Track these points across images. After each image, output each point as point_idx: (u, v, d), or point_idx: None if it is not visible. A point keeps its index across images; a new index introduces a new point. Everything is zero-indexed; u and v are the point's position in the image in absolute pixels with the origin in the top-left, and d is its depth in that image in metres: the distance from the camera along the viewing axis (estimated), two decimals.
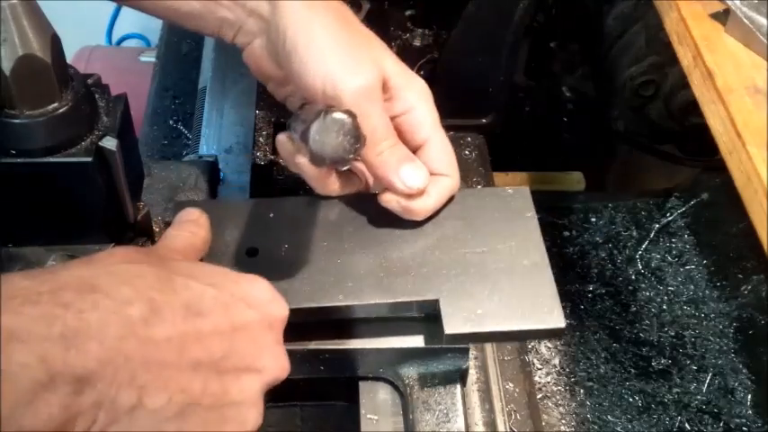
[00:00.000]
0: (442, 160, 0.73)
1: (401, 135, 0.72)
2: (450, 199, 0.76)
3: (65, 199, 0.64)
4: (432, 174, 0.73)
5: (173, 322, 0.50)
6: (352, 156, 0.64)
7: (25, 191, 0.63)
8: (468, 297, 0.69)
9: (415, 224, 0.74)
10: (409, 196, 0.72)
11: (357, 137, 0.63)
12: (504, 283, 0.69)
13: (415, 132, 0.73)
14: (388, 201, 0.72)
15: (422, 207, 0.73)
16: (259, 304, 0.57)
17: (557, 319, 0.67)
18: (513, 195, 0.77)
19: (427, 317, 0.71)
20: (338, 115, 0.62)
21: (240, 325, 0.54)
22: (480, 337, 0.70)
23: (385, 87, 0.71)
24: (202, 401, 0.51)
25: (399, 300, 0.69)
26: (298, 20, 0.70)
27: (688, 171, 1.27)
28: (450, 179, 0.74)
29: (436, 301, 0.69)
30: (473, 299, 0.68)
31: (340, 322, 0.72)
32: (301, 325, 0.68)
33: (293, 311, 0.67)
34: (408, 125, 0.72)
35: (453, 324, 0.67)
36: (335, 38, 0.70)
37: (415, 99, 0.73)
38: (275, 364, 0.56)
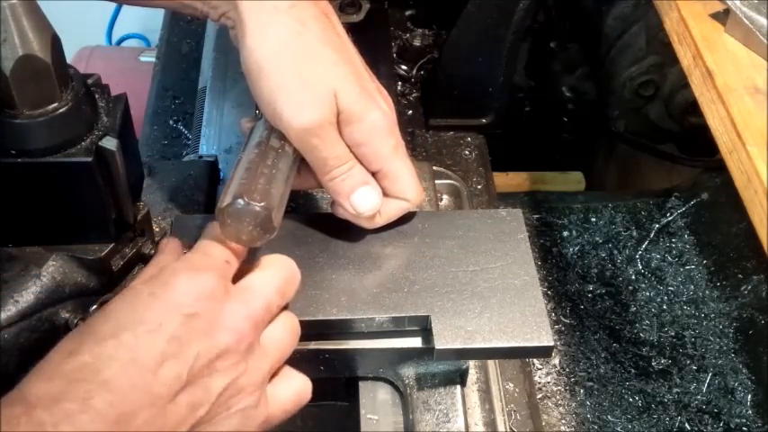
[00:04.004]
0: (397, 187, 0.73)
1: (358, 160, 0.71)
2: (446, 220, 0.78)
3: (65, 199, 0.64)
4: (386, 196, 0.73)
5: (131, 384, 0.53)
6: (259, 242, 0.63)
7: (25, 191, 0.63)
8: (459, 314, 0.70)
9: (409, 243, 0.75)
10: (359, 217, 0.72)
11: (269, 229, 0.62)
12: (494, 302, 0.70)
13: (368, 164, 0.71)
14: (338, 212, 0.73)
15: (370, 225, 0.74)
16: (187, 301, 0.57)
17: (546, 338, 0.68)
18: (506, 218, 0.78)
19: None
20: (252, 207, 0.61)
21: (183, 334, 0.55)
22: (470, 353, 0.71)
23: (338, 119, 0.69)
24: (198, 414, 0.55)
25: (392, 315, 0.70)
26: (252, 35, 0.68)
27: (688, 171, 1.27)
28: (403, 203, 0.74)
29: (427, 317, 0.69)
30: (464, 316, 0.69)
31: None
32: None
33: None
34: (361, 157, 0.71)
35: (444, 340, 0.68)
36: (286, 66, 0.67)
37: (367, 135, 0.69)
38: (229, 335, 0.58)
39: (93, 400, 0.50)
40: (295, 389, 0.64)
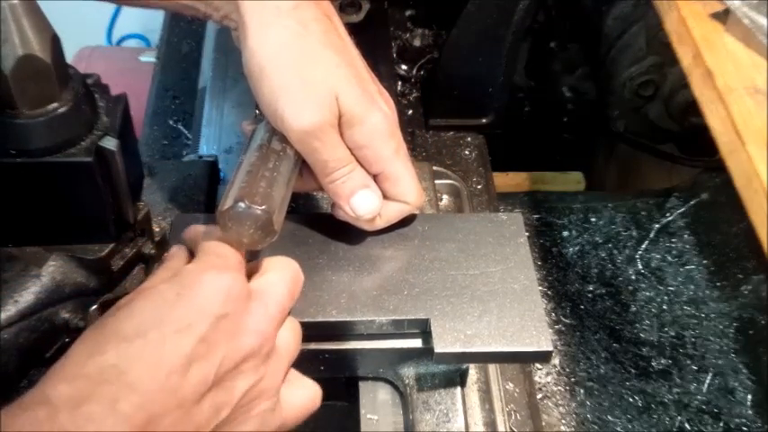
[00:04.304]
0: (398, 189, 0.73)
1: (359, 162, 0.71)
2: (446, 223, 0.78)
3: (65, 199, 0.64)
4: (387, 199, 0.73)
5: (158, 386, 0.52)
6: (260, 246, 0.63)
7: (25, 191, 0.63)
8: (459, 318, 0.70)
9: (409, 245, 0.75)
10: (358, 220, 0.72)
11: (270, 232, 0.62)
12: (494, 306, 0.71)
13: (369, 166, 0.71)
14: (339, 215, 0.73)
15: (370, 227, 0.74)
16: (216, 303, 0.56)
17: (545, 343, 0.69)
18: (507, 221, 0.78)
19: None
20: (253, 210, 0.61)
21: (212, 335, 0.55)
22: (469, 357, 0.71)
23: (339, 121, 0.69)
24: (221, 416, 0.55)
25: (391, 317, 0.70)
26: (254, 36, 0.68)
27: (688, 171, 1.27)
28: (403, 205, 0.74)
29: (427, 320, 0.69)
30: (463, 320, 0.69)
31: None
32: None
33: None
34: (362, 160, 0.71)
35: (443, 343, 0.68)
36: (288, 67, 0.67)
37: (368, 138, 0.69)
38: (255, 338, 0.57)
39: (119, 404, 0.49)
40: (308, 395, 0.64)
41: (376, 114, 0.69)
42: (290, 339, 0.62)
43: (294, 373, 0.64)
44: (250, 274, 0.63)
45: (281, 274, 0.63)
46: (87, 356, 0.52)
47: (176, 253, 0.65)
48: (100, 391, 0.50)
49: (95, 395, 0.49)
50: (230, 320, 0.56)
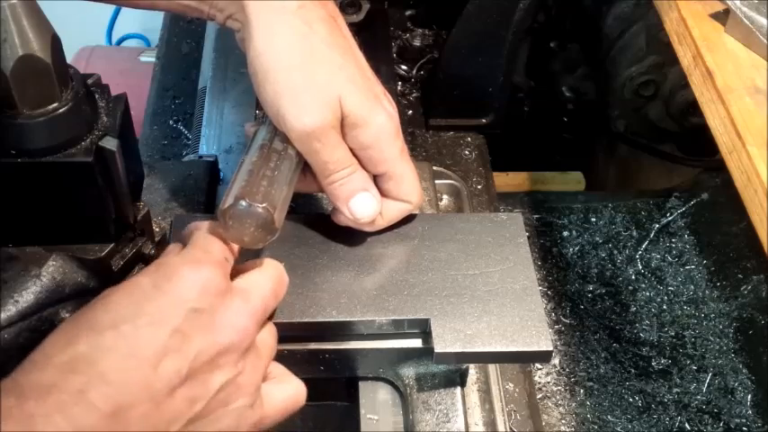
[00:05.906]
0: (401, 189, 0.73)
1: (361, 164, 0.71)
2: (446, 223, 0.78)
3: (65, 199, 0.64)
4: (389, 198, 0.73)
5: (129, 377, 0.52)
6: (261, 244, 0.63)
7: (25, 191, 0.63)
8: (459, 318, 0.70)
9: (409, 245, 0.75)
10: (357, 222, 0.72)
11: (271, 230, 0.62)
12: (494, 306, 0.71)
13: (374, 166, 0.71)
14: (339, 219, 0.73)
15: (371, 228, 0.74)
16: (192, 296, 0.56)
17: (544, 343, 0.68)
18: (506, 221, 0.78)
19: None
20: (254, 208, 0.61)
21: (187, 328, 0.55)
22: (469, 357, 0.71)
23: (344, 122, 0.69)
24: (195, 409, 0.55)
25: (391, 317, 0.70)
26: (260, 36, 0.68)
27: (688, 171, 1.27)
28: (405, 205, 0.74)
29: (427, 320, 0.69)
30: (463, 320, 0.69)
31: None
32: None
33: (286, 325, 0.68)
34: (366, 160, 0.71)
35: (443, 343, 0.68)
36: (292, 68, 0.67)
37: (374, 138, 0.69)
38: (233, 333, 0.57)
39: (89, 393, 0.50)
40: (290, 392, 0.63)
41: (381, 115, 0.69)
42: (268, 339, 0.63)
43: (280, 370, 0.64)
44: (238, 275, 0.63)
45: (267, 273, 0.63)
46: (60, 346, 0.52)
47: (171, 250, 0.65)
48: (70, 380, 0.50)
49: (65, 384, 0.50)
50: (207, 314, 0.56)
